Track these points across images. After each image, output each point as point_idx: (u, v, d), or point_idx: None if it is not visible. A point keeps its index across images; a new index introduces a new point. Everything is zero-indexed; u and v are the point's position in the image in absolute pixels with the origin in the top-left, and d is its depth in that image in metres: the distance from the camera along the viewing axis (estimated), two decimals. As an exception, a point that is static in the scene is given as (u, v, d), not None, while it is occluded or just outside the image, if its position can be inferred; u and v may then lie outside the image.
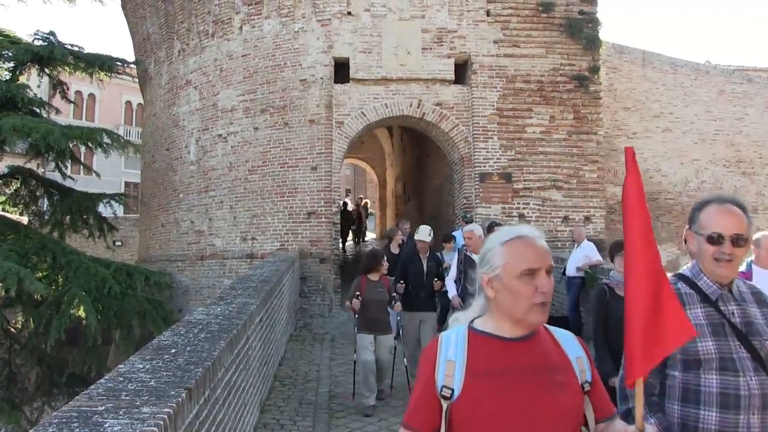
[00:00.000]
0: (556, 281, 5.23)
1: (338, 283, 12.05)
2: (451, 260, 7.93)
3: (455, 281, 6.79)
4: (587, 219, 12.04)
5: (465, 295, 6.35)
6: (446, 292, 6.97)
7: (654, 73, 16.42)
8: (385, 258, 6.72)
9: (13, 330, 13.15)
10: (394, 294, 6.65)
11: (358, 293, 6.34)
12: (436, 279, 6.92)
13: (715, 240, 2.04)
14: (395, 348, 6.96)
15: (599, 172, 12.36)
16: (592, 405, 1.65)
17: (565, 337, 1.72)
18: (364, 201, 23.53)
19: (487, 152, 12.00)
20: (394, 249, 9.36)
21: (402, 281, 6.96)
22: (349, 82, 12.07)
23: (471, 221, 10.11)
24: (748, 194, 17.01)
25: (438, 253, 7.96)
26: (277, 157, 12.17)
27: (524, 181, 12.02)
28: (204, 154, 13.19)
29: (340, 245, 19.46)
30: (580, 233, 9.89)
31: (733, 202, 2.09)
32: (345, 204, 20.70)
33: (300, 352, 8.75)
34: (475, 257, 5.88)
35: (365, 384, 6.20)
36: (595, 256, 9.13)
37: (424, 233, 7.18)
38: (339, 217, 20.04)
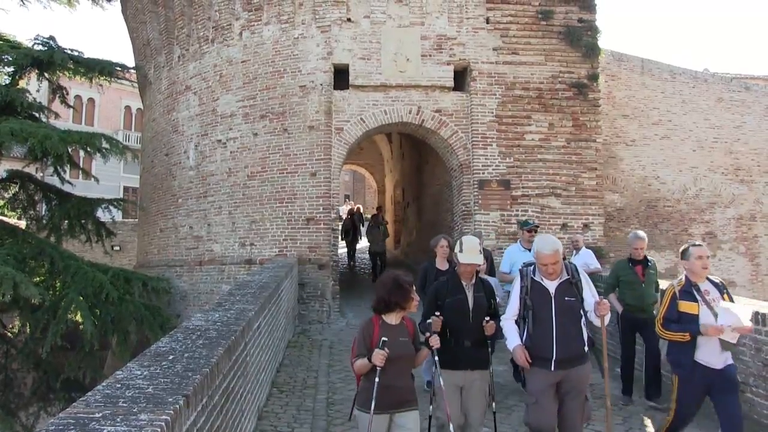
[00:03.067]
0: None
1: (337, 289, 12.03)
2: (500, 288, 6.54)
3: (516, 321, 4.54)
4: (586, 226, 12.05)
5: (535, 346, 4.32)
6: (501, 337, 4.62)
7: (653, 80, 16.46)
8: (414, 287, 4.05)
9: (9, 335, 13.12)
10: (428, 333, 4.29)
11: (383, 346, 3.76)
12: (488, 319, 4.49)
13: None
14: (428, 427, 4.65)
15: (598, 179, 12.37)
16: None
17: None
18: (356, 207, 21.95)
19: (486, 159, 12.01)
20: (442, 266, 6.99)
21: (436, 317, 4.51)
22: (348, 88, 12.09)
23: (535, 229, 8.09)
24: (746, 202, 17.03)
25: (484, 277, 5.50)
26: (276, 163, 12.17)
27: (523, 188, 12.02)
28: (203, 159, 13.19)
29: (347, 257, 19.19)
30: (579, 240, 9.91)
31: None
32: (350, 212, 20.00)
33: (298, 359, 8.72)
34: (547, 284, 4.37)
35: None
36: (594, 264, 9.14)
37: (472, 251, 4.60)
38: (342, 226, 19.64)
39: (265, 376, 6.36)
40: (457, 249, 4.66)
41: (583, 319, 4.35)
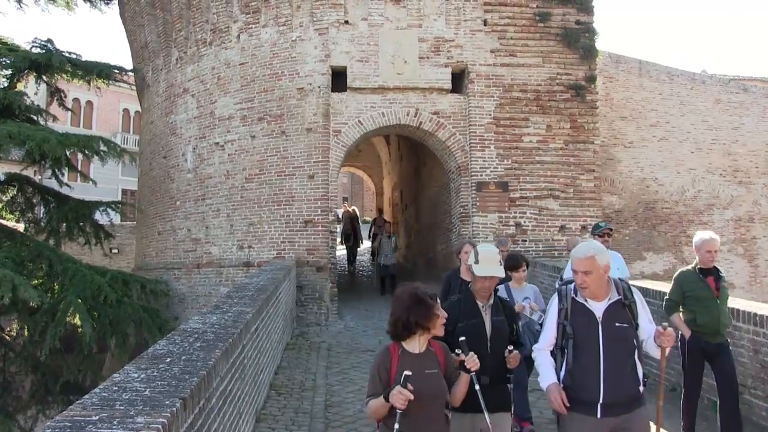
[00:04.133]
0: (553, 290, 4.33)
1: (335, 291, 12.04)
2: (529, 307, 5.61)
3: (552, 353, 3.59)
4: (584, 228, 12.05)
5: (576, 386, 3.38)
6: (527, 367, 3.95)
7: (650, 82, 16.48)
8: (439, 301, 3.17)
9: (7, 338, 13.10)
10: (460, 352, 3.22)
11: (405, 382, 2.83)
12: (510, 348, 3.60)
13: None
14: None
15: (596, 181, 12.38)
16: None
17: None
18: (352, 209, 20.88)
19: (483, 161, 12.02)
20: (468, 275, 5.24)
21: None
22: (346, 90, 12.10)
23: (609, 232, 7.10)
24: (744, 204, 17.04)
25: (500, 292, 4.62)
26: (274, 166, 12.17)
27: (521, 190, 12.04)
28: (201, 162, 13.19)
29: (346, 262, 18.92)
30: (575, 243, 9.87)
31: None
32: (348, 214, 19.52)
33: (296, 361, 8.72)
34: (592, 306, 3.43)
35: None
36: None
37: (490, 261, 3.71)
38: (342, 230, 19.32)
39: (263, 379, 6.36)
40: (471, 260, 3.76)
41: (638, 350, 3.44)
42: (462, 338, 3.24)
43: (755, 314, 5.65)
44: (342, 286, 13.54)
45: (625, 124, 16.09)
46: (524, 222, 11.96)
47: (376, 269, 15.30)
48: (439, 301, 3.12)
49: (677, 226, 16.42)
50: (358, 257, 19.58)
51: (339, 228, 20.67)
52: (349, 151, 12.51)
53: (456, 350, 3.20)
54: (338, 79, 12.18)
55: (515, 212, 11.97)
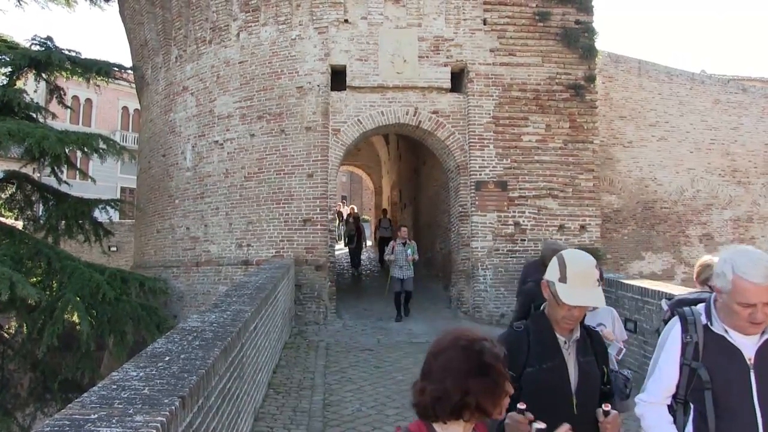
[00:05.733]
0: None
1: (333, 290, 12.04)
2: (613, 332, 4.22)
3: (670, 408, 2.51)
4: (583, 228, 12.07)
5: None
6: None
7: (650, 82, 16.49)
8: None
9: (6, 335, 13.10)
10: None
11: None
12: (607, 408, 2.35)
13: None
14: None
15: (595, 180, 12.39)
16: None
17: None
18: (351, 208, 20.73)
19: (482, 160, 12.03)
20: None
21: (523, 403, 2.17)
22: (345, 89, 12.09)
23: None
24: (743, 204, 17.07)
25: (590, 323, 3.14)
26: (273, 164, 12.17)
27: (520, 189, 12.04)
28: (200, 160, 13.19)
29: (350, 264, 18.50)
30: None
31: None
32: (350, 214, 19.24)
33: (294, 360, 8.72)
34: (739, 342, 2.37)
35: None
36: None
37: (586, 279, 2.38)
38: (346, 231, 18.96)
39: (261, 377, 6.37)
40: (553, 275, 2.43)
41: None
42: (521, 407, 2.15)
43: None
44: (344, 287, 13.52)
45: (625, 123, 16.11)
46: (523, 221, 11.96)
47: (389, 284, 12.40)
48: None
49: (676, 226, 16.44)
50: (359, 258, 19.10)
51: (342, 228, 20.60)
52: (348, 150, 12.51)
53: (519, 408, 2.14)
54: (338, 78, 12.17)
55: (514, 211, 11.97)
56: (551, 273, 2.43)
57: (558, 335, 2.45)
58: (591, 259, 2.43)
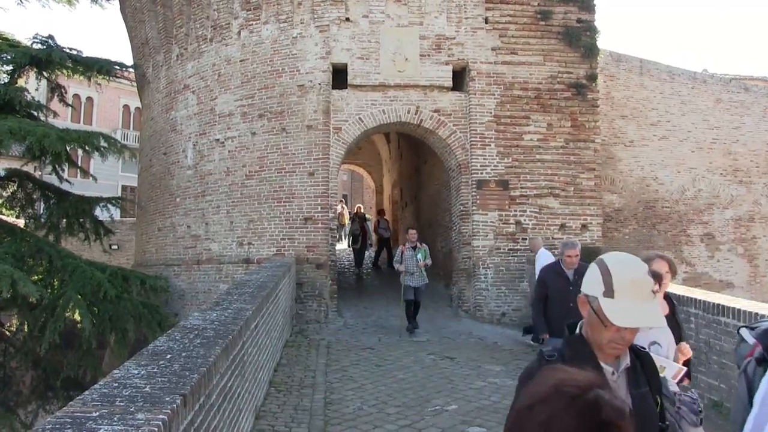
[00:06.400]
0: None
1: (334, 289, 12.04)
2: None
3: None
4: (584, 227, 12.05)
5: None
6: None
7: (651, 81, 16.47)
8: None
9: (7, 333, 13.12)
10: None
11: None
12: None
13: None
14: None
15: (596, 180, 12.38)
16: None
17: None
18: (357, 207, 20.27)
19: (484, 159, 12.02)
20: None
21: None
22: (346, 88, 12.09)
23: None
24: (744, 203, 17.05)
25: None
26: (274, 163, 12.17)
27: (521, 188, 12.03)
28: (201, 158, 13.19)
29: (354, 262, 18.35)
30: (536, 244, 10.37)
31: None
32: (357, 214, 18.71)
33: (296, 358, 8.72)
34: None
35: None
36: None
37: (639, 291, 1.87)
38: (350, 231, 18.77)
39: (262, 376, 6.36)
40: (595, 288, 1.93)
41: None
42: None
43: (756, 314, 5.64)
44: (345, 286, 13.50)
45: (626, 122, 16.09)
46: (524, 220, 11.96)
47: (402, 294, 10.83)
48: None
49: (677, 226, 16.43)
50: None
51: (346, 228, 20.46)
52: (349, 148, 12.51)
53: None
54: (339, 77, 12.16)
55: (515, 210, 11.96)
56: (592, 285, 1.94)
57: (603, 364, 1.92)
58: (642, 264, 1.96)
